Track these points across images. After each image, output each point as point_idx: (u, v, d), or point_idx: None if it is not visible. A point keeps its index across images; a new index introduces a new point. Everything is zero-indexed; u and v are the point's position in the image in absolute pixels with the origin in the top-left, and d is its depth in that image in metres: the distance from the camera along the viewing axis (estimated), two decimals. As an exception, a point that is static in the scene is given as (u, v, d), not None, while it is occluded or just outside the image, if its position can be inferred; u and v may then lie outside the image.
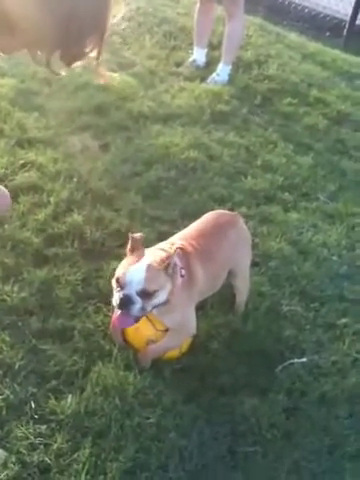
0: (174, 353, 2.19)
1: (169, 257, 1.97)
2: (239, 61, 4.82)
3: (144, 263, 1.95)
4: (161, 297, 1.97)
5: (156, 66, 4.56)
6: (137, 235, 2.07)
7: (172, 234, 2.74)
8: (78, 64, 1.44)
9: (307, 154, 3.84)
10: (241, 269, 2.43)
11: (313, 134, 4.13)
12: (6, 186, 2.73)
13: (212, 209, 2.91)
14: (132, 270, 1.94)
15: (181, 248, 2.15)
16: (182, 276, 2.07)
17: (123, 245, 2.47)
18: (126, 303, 1.91)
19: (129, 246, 2.05)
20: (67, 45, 1.38)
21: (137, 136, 3.58)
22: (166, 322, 2.14)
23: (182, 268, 2.08)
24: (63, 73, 1.46)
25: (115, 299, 1.95)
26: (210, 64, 4.72)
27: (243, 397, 2.13)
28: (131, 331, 2.17)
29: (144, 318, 2.10)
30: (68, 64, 1.43)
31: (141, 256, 1.99)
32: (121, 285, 1.93)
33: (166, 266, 1.96)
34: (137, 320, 1.99)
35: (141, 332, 2.16)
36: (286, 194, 3.39)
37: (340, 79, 5.03)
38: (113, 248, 2.66)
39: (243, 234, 2.46)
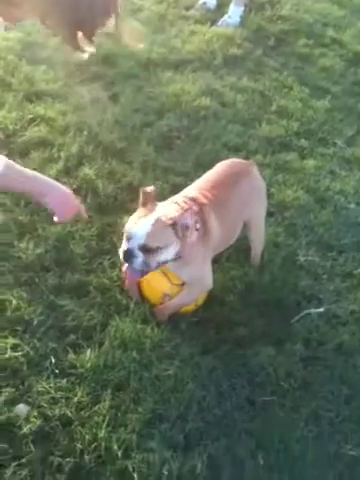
0: (190, 307, 2.20)
1: (179, 215, 1.92)
2: (251, 2, 4.60)
3: (150, 219, 1.93)
4: (167, 254, 1.95)
5: (165, 10, 4.38)
6: (148, 189, 2.03)
7: (186, 186, 2.70)
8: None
9: (323, 98, 3.71)
10: (256, 219, 2.39)
11: (329, 76, 3.98)
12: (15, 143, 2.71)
13: (226, 158, 2.85)
14: (137, 224, 1.93)
15: (195, 200, 2.11)
16: (197, 230, 2.03)
17: (136, 199, 2.42)
18: (128, 257, 1.92)
19: (141, 200, 2.02)
20: (81, 22, 1.41)
21: (147, 84, 3.47)
22: (182, 276, 2.13)
23: (197, 222, 2.04)
24: (90, 49, 1.49)
25: (120, 252, 1.96)
26: (221, 6, 4.53)
27: (260, 348, 2.14)
28: (146, 285, 2.18)
29: (159, 272, 2.11)
30: (89, 38, 1.46)
31: (151, 211, 1.96)
32: (127, 238, 1.93)
33: (173, 223, 1.91)
34: (144, 274, 1.98)
35: (156, 286, 2.17)
36: (302, 140, 3.30)
37: (357, 18, 4.80)
38: (126, 202, 2.63)
39: (257, 183, 2.40)
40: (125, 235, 1.95)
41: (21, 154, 2.74)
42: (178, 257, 2.00)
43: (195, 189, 2.24)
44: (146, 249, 1.91)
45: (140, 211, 2.01)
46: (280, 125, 3.37)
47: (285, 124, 3.39)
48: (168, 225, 1.91)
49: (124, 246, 1.94)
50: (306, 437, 1.91)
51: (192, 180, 2.78)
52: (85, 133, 2.95)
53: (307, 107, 3.58)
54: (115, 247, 2.37)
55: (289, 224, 2.70)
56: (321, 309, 2.34)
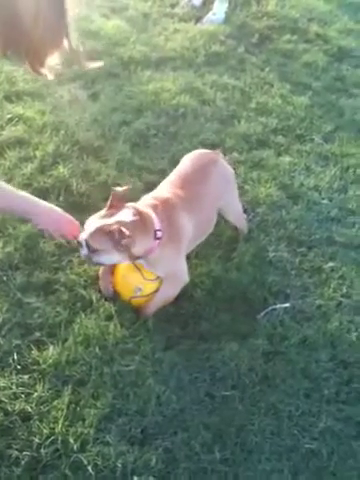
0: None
1: (116, 226, 1.95)
2: (237, -2, 4.63)
3: (98, 222, 2.01)
4: (107, 257, 2.04)
5: (150, 8, 4.42)
6: (118, 189, 2.08)
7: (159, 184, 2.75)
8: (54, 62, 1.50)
9: (304, 94, 3.73)
10: (231, 205, 2.46)
11: (312, 72, 4.00)
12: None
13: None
14: (90, 222, 2.03)
15: (163, 201, 2.16)
16: (158, 238, 2.08)
17: (109, 197, 2.48)
18: (79, 244, 2.05)
19: (109, 202, 2.06)
20: (35, 47, 1.44)
21: (127, 83, 3.51)
22: (157, 273, 2.19)
23: (158, 230, 2.08)
24: (50, 76, 1.53)
25: None
26: (207, 3, 4.55)
27: (223, 343, 2.17)
28: (119, 279, 2.23)
29: (133, 267, 2.17)
30: (37, 69, 1.48)
31: (111, 214, 2.02)
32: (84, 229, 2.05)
33: (110, 232, 1.96)
34: (95, 265, 2.15)
35: (129, 280, 2.22)
36: (280, 137, 3.33)
37: (343, 12, 4.82)
38: (99, 200, 2.66)
39: (225, 170, 2.46)
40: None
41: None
42: (135, 258, 2.07)
43: (166, 187, 2.28)
44: (88, 246, 2.00)
45: (103, 211, 2.06)
46: (258, 122, 3.40)
47: (263, 121, 3.42)
48: (106, 233, 1.97)
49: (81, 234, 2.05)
50: (264, 430, 1.94)
51: (167, 178, 2.85)
52: (62, 132, 3.00)
53: (287, 103, 3.60)
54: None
55: (261, 220, 2.73)
56: (287, 304, 2.37)
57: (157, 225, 2.10)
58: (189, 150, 3.06)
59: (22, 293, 2.21)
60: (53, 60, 1.55)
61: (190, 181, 2.28)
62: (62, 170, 2.75)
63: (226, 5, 4.40)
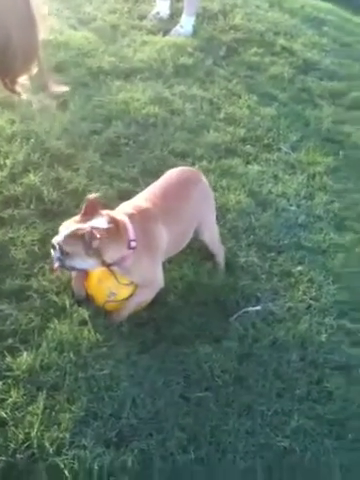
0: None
1: (88, 231, 1.98)
2: (204, 12, 4.73)
3: (73, 226, 2.04)
4: (78, 262, 2.06)
5: (118, 20, 4.47)
6: (92, 196, 2.10)
7: (132, 192, 2.77)
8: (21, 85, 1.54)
9: (271, 105, 3.83)
10: (207, 224, 2.48)
11: (278, 84, 4.11)
12: None
13: (173, 165, 2.95)
14: (64, 226, 2.06)
15: (141, 210, 2.19)
16: (133, 248, 2.10)
17: (80, 205, 2.50)
18: (52, 247, 2.08)
19: (83, 208, 2.09)
20: (6, 71, 1.47)
21: (97, 93, 3.54)
22: (132, 279, 2.21)
23: (133, 240, 2.10)
24: (24, 95, 1.55)
25: None
26: (174, 16, 4.63)
27: (197, 346, 2.20)
28: (93, 283, 2.24)
29: (107, 272, 2.19)
30: (10, 87, 1.51)
31: (85, 219, 2.04)
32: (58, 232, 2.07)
33: (82, 236, 1.98)
34: (67, 270, 2.16)
35: (103, 284, 2.23)
36: (248, 146, 3.40)
37: (308, 26, 4.97)
38: (71, 208, 2.67)
39: (206, 190, 2.49)
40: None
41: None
42: (117, 265, 2.11)
43: (145, 197, 2.31)
44: (61, 249, 2.02)
45: (78, 216, 2.09)
46: (227, 132, 3.47)
47: (232, 131, 3.49)
48: (79, 236, 1.99)
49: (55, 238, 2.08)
50: (238, 430, 1.98)
51: (139, 186, 2.88)
52: (32, 141, 3.00)
53: (254, 114, 3.69)
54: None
55: (230, 227, 2.78)
56: (258, 307, 2.42)
57: (131, 235, 2.12)
58: (160, 159, 3.14)
59: (-6, 300, 2.20)
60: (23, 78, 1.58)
61: (171, 195, 2.31)
62: (33, 178, 2.75)
63: (193, 18, 4.49)
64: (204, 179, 2.47)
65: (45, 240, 2.47)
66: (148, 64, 3.97)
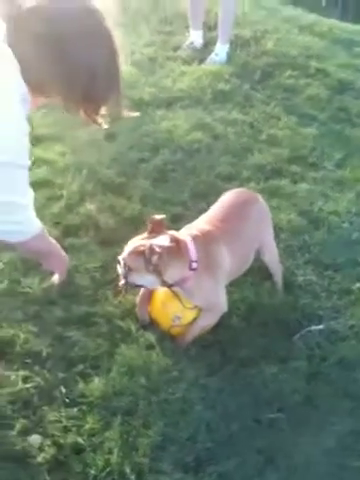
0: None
1: (149, 248, 2.01)
2: (237, 39, 4.80)
3: (137, 242, 2.10)
4: (139, 278, 2.11)
5: (155, 52, 4.57)
6: (158, 217, 2.15)
7: (184, 215, 2.83)
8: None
9: (311, 125, 3.85)
10: (267, 244, 2.49)
11: (315, 105, 4.13)
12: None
13: (221, 188, 2.99)
14: (131, 241, 2.13)
15: (203, 232, 2.21)
16: (194, 269, 2.12)
17: (136, 231, 2.54)
18: (118, 263, 2.13)
19: (149, 227, 2.13)
20: (93, 99, 1.59)
21: (141, 123, 3.61)
22: (193, 301, 2.22)
23: (194, 261, 2.12)
24: (105, 125, 1.65)
25: None
26: (208, 45, 4.72)
27: (263, 367, 2.19)
28: (158, 308, 2.27)
29: (171, 295, 2.22)
30: (93, 117, 1.61)
31: (151, 237, 2.07)
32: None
33: (143, 253, 2.03)
34: (131, 287, 2.20)
35: (168, 308, 2.26)
36: (293, 166, 3.42)
37: (339, 48, 5.00)
38: (128, 234, 2.70)
39: (264, 210, 2.51)
40: None
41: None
42: (170, 285, 2.13)
43: (206, 220, 2.34)
44: (125, 265, 2.09)
45: (144, 235, 2.15)
46: (271, 153, 3.49)
47: (276, 152, 3.51)
48: (140, 253, 2.04)
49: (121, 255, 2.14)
50: (313, 451, 1.95)
51: (189, 209, 2.93)
52: (84, 172, 3.07)
53: (296, 135, 3.72)
54: (118, 277, 2.46)
55: (285, 246, 2.79)
56: (321, 326, 2.41)
57: (193, 256, 2.14)
58: (207, 183, 3.18)
59: (62, 327, 2.23)
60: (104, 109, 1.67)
61: (231, 216, 2.33)
62: (89, 207, 2.82)
63: (227, 45, 4.58)
64: (261, 199, 2.49)
65: (106, 267, 2.52)
66: (187, 92, 4.04)
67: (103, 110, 1.65)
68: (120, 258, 2.12)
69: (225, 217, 2.31)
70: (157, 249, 2.00)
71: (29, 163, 1.68)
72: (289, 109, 4.02)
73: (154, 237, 2.10)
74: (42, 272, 2.39)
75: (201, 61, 4.51)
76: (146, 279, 2.11)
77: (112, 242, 2.67)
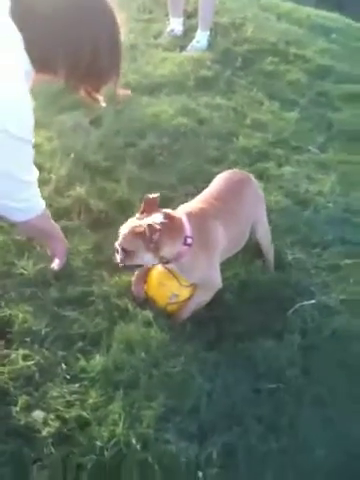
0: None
1: (149, 227, 2.02)
2: (216, 26, 4.83)
3: (131, 224, 2.09)
4: (139, 259, 2.10)
5: (135, 39, 4.56)
6: (151, 195, 2.15)
7: (172, 198, 2.84)
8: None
9: (293, 110, 3.91)
10: (261, 223, 2.52)
11: (296, 90, 4.19)
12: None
13: (208, 171, 3.03)
14: (124, 225, 2.12)
15: (198, 210, 2.23)
16: (189, 244, 2.14)
17: (126, 212, 2.56)
18: (116, 251, 2.13)
19: (142, 206, 2.14)
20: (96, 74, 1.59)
21: (126, 108, 3.61)
22: (189, 279, 2.25)
23: (189, 237, 2.14)
24: (103, 104, 1.65)
25: None
26: (188, 32, 4.75)
27: (260, 341, 2.23)
28: (154, 286, 2.29)
29: (168, 274, 2.24)
30: (92, 95, 1.61)
31: (145, 217, 2.09)
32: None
33: (141, 233, 2.03)
34: (131, 269, 2.23)
35: (165, 287, 2.28)
36: (278, 149, 3.47)
37: (316, 35, 5.08)
38: (117, 216, 2.73)
39: (258, 190, 2.55)
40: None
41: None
42: (167, 261, 2.14)
43: (202, 199, 2.35)
44: (123, 250, 2.09)
45: (136, 215, 2.15)
46: (255, 137, 3.54)
47: (260, 136, 3.56)
48: (137, 233, 2.04)
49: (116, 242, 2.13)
50: (313, 420, 2.00)
51: (178, 192, 2.94)
52: (72, 156, 3.06)
53: (279, 119, 3.77)
54: (112, 259, 2.47)
55: (274, 226, 2.82)
56: (313, 301, 2.46)
57: (188, 231, 2.16)
58: (195, 166, 3.21)
59: (59, 307, 2.23)
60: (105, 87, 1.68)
61: (226, 196, 2.36)
62: (79, 190, 2.81)
63: (208, 33, 4.60)
64: (254, 180, 2.53)
65: (99, 249, 2.53)
66: (170, 79, 4.05)
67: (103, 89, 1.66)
68: (117, 244, 2.11)
69: (220, 196, 2.33)
70: (157, 226, 2.02)
71: (33, 140, 1.67)
72: (271, 94, 4.07)
73: (147, 217, 2.10)
74: (36, 255, 2.39)
75: (182, 48, 4.53)
76: (145, 258, 2.11)
77: (103, 225, 2.68)
